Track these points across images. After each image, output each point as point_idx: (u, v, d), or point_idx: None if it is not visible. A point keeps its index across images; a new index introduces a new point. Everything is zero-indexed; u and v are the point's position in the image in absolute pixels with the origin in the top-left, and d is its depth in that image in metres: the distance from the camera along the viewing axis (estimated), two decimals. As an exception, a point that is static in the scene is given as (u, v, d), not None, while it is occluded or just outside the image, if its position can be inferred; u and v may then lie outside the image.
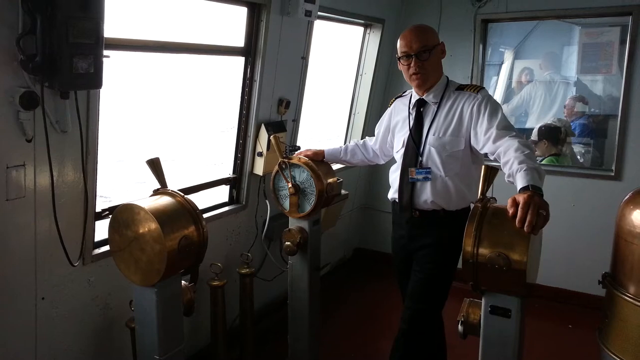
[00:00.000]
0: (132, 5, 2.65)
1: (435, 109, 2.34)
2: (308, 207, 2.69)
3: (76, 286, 2.27)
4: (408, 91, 2.53)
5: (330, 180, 2.72)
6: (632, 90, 3.74)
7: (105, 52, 1.93)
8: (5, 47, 1.79)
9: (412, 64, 2.28)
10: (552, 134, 4.26)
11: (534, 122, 4.64)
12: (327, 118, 5.49)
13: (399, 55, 2.34)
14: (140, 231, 1.99)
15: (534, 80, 4.79)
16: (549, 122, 4.36)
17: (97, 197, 2.36)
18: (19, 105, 1.84)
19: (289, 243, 2.73)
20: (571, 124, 4.42)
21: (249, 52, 3.03)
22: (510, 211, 1.71)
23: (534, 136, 4.31)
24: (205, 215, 2.83)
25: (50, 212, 1.99)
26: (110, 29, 2.05)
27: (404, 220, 2.43)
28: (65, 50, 1.79)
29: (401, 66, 2.36)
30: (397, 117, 2.53)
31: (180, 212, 2.08)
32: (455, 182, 2.30)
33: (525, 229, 1.67)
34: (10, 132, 1.88)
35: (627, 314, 1.91)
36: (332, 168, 2.83)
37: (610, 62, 4.42)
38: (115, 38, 2.23)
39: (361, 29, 4.22)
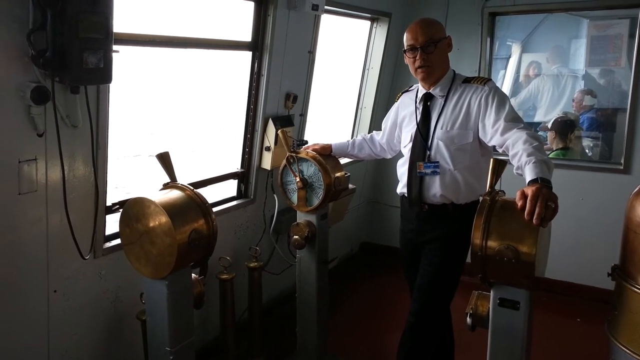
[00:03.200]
0: (141, 0, 2.66)
1: (443, 102, 2.34)
2: (316, 201, 2.70)
3: (87, 279, 2.29)
4: (414, 85, 2.52)
5: (338, 174, 2.73)
6: (641, 83, 3.71)
7: (115, 47, 1.95)
8: (16, 43, 1.81)
9: (417, 57, 2.28)
10: (564, 128, 4.25)
11: (543, 116, 4.62)
12: (334, 112, 5.49)
13: (404, 48, 2.34)
14: (151, 224, 2.01)
15: (541, 73, 4.76)
16: (563, 115, 4.35)
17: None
18: (30, 100, 1.85)
19: (297, 237, 2.75)
20: (580, 117, 4.39)
21: (256, 46, 3.04)
22: (519, 204, 1.71)
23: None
24: (213, 210, 2.85)
25: (61, 206, 2.02)
26: (120, 24, 2.06)
27: (413, 214, 2.43)
28: (75, 45, 1.80)
29: (407, 59, 2.36)
30: (404, 111, 2.53)
31: (190, 206, 2.09)
32: (464, 175, 2.30)
33: (534, 221, 1.66)
34: (21, 127, 1.90)
35: (637, 306, 1.90)
36: (339, 162, 2.84)
37: (619, 55, 4.38)
38: (125, 33, 2.24)
39: (368, 23, 4.21)
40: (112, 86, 2.15)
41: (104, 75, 1.94)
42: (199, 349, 2.87)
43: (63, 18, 1.78)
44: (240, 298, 2.96)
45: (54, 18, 1.78)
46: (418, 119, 2.41)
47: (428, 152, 2.34)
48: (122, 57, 2.05)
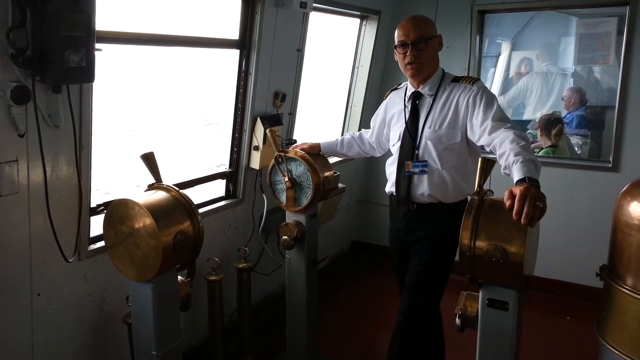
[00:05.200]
0: (125, -3, 2.63)
1: (431, 101, 2.33)
2: (305, 201, 2.68)
3: (72, 282, 2.25)
4: (403, 84, 2.51)
5: (327, 173, 2.71)
6: (630, 81, 3.72)
7: (97, 45, 1.91)
8: (-5, 41, 1.77)
9: (408, 53, 2.27)
10: (547, 125, 4.27)
11: (531, 114, 4.64)
12: (323, 111, 5.47)
13: (395, 43, 2.32)
14: (135, 226, 1.98)
15: (531, 71, 4.77)
16: (549, 112, 4.37)
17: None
18: (10, 100, 1.81)
19: (286, 237, 2.72)
20: (568, 115, 4.41)
21: (243, 44, 3.00)
22: (507, 203, 1.70)
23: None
24: (201, 210, 2.82)
25: (44, 207, 1.98)
26: (102, 22, 2.02)
27: (401, 213, 2.43)
28: (57, 43, 1.77)
29: (397, 55, 2.34)
30: (393, 109, 2.52)
31: (176, 207, 2.06)
32: (452, 175, 2.29)
33: (522, 221, 1.66)
34: (2, 127, 1.86)
35: (625, 306, 1.90)
36: (328, 161, 2.82)
37: (608, 53, 4.40)
38: (107, 31, 2.20)
39: (357, 20, 4.19)
40: (95, 85, 2.11)
41: (86, 74, 1.90)
42: (187, 350, 2.85)
43: (43, 16, 1.74)
44: (229, 299, 2.93)
45: (33, 16, 1.74)
46: (407, 118, 2.39)
47: (416, 152, 2.33)
48: (106, 56, 2.01)
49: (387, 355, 2.48)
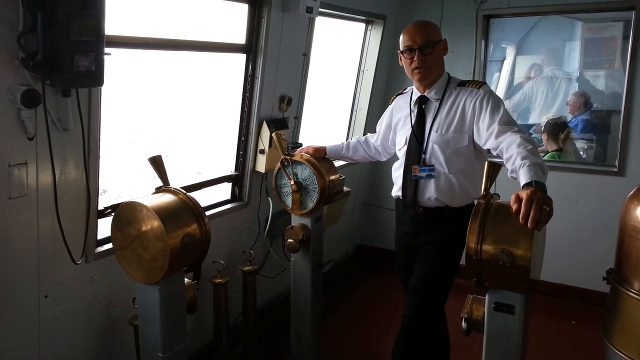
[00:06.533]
0: (133, 2, 2.64)
1: (437, 105, 2.33)
2: (310, 204, 2.69)
3: (79, 284, 2.27)
4: (409, 88, 2.52)
5: (332, 177, 2.72)
6: (635, 85, 3.73)
7: (107, 50, 1.93)
8: (6, 45, 1.79)
9: (414, 58, 2.27)
10: (554, 129, 4.27)
11: (537, 118, 4.63)
12: (329, 115, 5.48)
13: (401, 49, 2.33)
14: (143, 229, 1.99)
15: (537, 75, 4.77)
16: (554, 117, 4.38)
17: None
18: (21, 103, 1.83)
19: (291, 240, 2.73)
20: (573, 119, 4.40)
21: (250, 49, 3.02)
22: (514, 207, 1.70)
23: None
24: (207, 213, 2.81)
25: (52, 210, 1.99)
26: (111, 27, 2.05)
27: (407, 217, 2.43)
28: (66, 47, 1.79)
29: (403, 61, 2.35)
30: (399, 114, 2.52)
31: (183, 210, 2.07)
32: (459, 179, 2.29)
33: (528, 224, 1.66)
34: (11, 131, 1.88)
35: (632, 310, 1.90)
36: (334, 165, 2.83)
37: (613, 58, 4.38)
38: (117, 35, 2.22)
39: (362, 25, 4.21)
40: (104, 89, 2.13)
41: (95, 78, 1.92)
42: (193, 353, 2.86)
43: (54, 21, 1.76)
44: (234, 302, 2.94)
45: (44, 21, 1.76)
46: (413, 122, 2.40)
47: (423, 156, 2.33)
48: (115, 60, 2.03)
49: (391, 359, 2.48)
